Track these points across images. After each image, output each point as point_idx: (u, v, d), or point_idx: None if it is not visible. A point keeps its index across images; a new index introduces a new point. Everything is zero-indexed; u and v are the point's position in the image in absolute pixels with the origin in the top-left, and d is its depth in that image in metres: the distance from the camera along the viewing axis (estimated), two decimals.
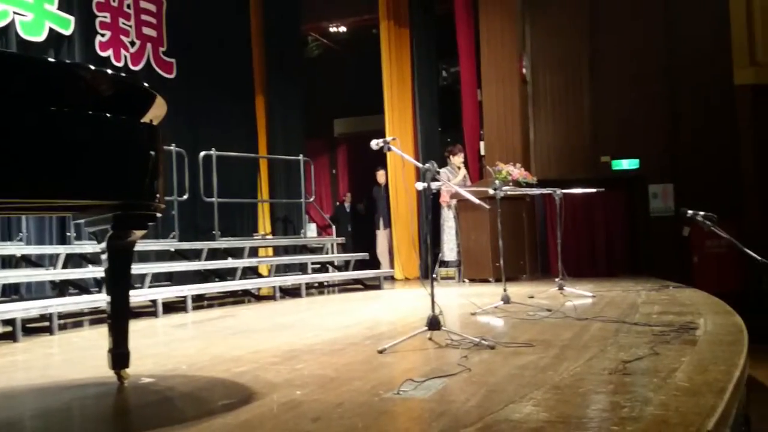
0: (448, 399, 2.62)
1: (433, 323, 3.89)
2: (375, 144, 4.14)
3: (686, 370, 2.89)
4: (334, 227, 12.86)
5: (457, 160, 9.56)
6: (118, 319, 3.05)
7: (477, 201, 4.40)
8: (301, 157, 10.51)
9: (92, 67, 3.05)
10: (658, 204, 10.96)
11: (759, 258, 4.55)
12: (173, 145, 8.36)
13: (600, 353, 3.41)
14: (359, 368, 3.35)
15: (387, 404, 2.60)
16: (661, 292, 6.66)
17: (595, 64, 11.23)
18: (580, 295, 6.34)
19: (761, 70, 10.70)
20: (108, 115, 2.82)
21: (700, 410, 2.25)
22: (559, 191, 6.59)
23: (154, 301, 6.34)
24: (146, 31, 9.38)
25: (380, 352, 3.68)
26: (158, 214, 3.11)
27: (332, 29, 13.74)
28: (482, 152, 11.15)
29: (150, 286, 6.96)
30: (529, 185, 8.80)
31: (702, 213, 4.76)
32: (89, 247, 6.95)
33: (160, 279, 7.96)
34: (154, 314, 6.26)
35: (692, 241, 10.37)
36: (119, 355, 3.05)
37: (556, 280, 6.74)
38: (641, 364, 3.06)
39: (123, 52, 8.95)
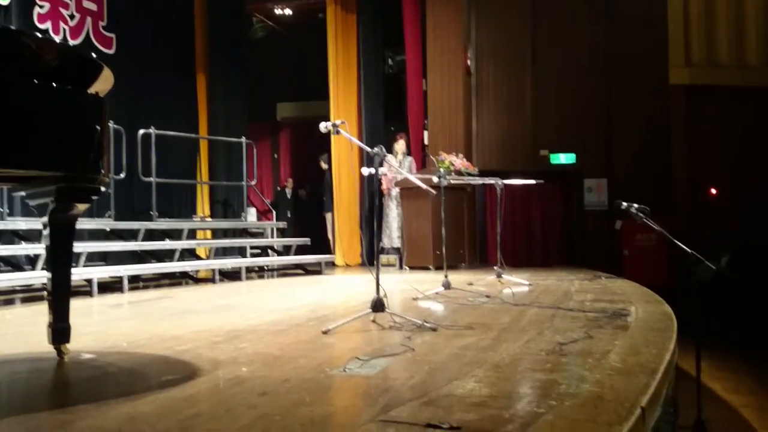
0: (393, 376, 2.67)
1: (378, 305, 3.94)
2: (324, 126, 4.13)
3: (619, 353, 3.02)
4: (274, 212, 12.77)
5: (401, 147, 9.65)
6: (59, 293, 2.98)
7: (425, 186, 4.46)
8: (243, 139, 10.39)
9: (39, 35, 2.97)
10: (592, 198, 11.31)
11: (689, 250, 4.76)
12: (111, 121, 8.14)
13: (537, 336, 3.53)
14: (304, 347, 3.37)
15: (333, 381, 2.64)
16: (593, 281, 6.90)
17: (537, 58, 11.47)
18: (517, 282, 6.51)
19: (695, 71, 11.16)
20: (54, 84, 2.74)
21: (633, 388, 2.36)
22: (500, 181, 6.73)
23: (89, 281, 6.19)
24: (86, 4, 9.09)
25: (324, 332, 3.71)
26: (102, 188, 3.05)
27: (277, 11, 13.57)
28: (426, 142, 11.26)
29: (84, 266, 6.79)
30: (470, 175, 8.95)
31: (636, 205, 4.93)
32: (22, 223, 6.73)
33: (94, 259, 7.76)
34: (89, 293, 6.11)
35: (623, 234, 10.77)
36: (60, 330, 2.99)
37: (495, 268, 6.89)
38: (576, 346, 3.18)
39: (62, 24, 8.66)
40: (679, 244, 4.84)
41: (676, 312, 4.38)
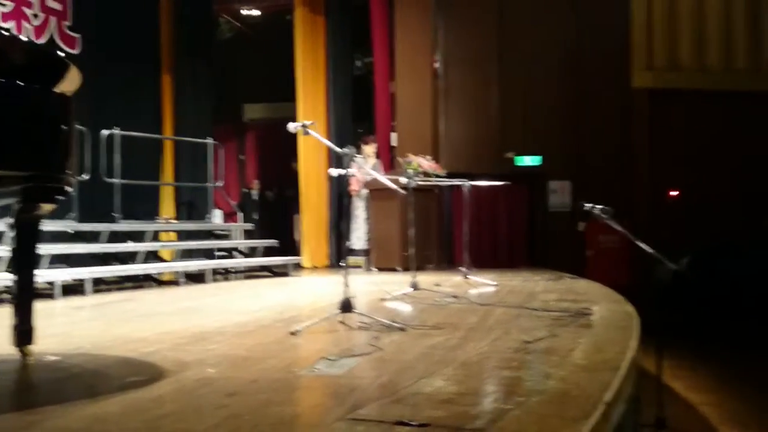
0: (362, 376, 2.69)
1: (346, 306, 3.95)
2: (293, 127, 4.12)
3: (583, 350, 3.08)
4: (240, 214, 12.68)
5: (370, 149, 9.65)
6: (24, 295, 2.94)
7: (394, 186, 4.48)
8: (209, 140, 10.30)
9: (6, 33, 2.91)
10: (556, 200, 11.45)
11: (650, 250, 4.86)
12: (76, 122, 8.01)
13: (503, 335, 3.58)
14: (272, 348, 3.37)
15: (302, 381, 2.64)
16: (558, 282, 7.01)
17: (504, 61, 11.58)
18: (483, 283, 6.57)
19: (658, 75, 11.39)
20: (20, 83, 2.70)
21: (597, 385, 2.41)
22: (467, 183, 6.80)
23: (51, 283, 6.07)
24: (51, 4, 8.95)
25: (292, 333, 3.71)
26: (69, 189, 3.01)
27: (245, 12, 13.50)
28: (393, 143, 11.29)
29: (47, 268, 6.66)
30: (438, 177, 8.99)
31: (599, 206, 5.02)
32: None
33: (56, 261, 7.61)
34: (51, 296, 6.00)
35: (587, 236, 10.93)
36: (24, 332, 2.94)
37: (462, 269, 6.95)
38: (541, 345, 3.24)
39: (25, 24, 8.51)
40: (641, 244, 4.94)
41: (638, 311, 4.47)
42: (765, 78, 11.67)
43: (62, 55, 2.96)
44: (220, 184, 11.02)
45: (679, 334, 8.39)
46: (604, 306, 4.79)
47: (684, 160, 11.27)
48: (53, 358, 3.17)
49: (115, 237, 8.43)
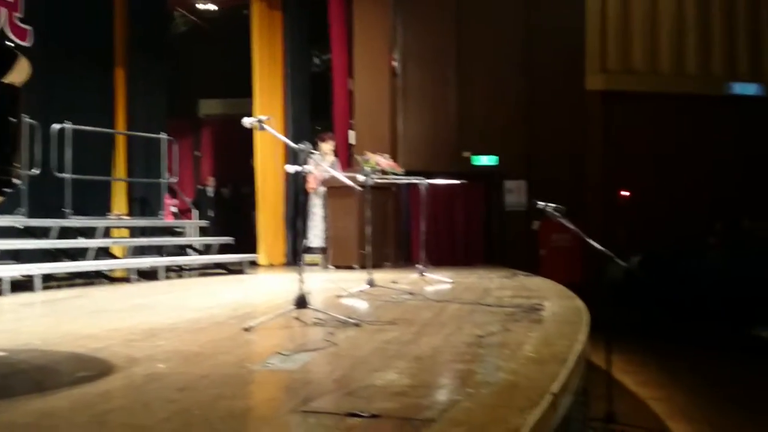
0: (315, 370, 2.69)
1: (301, 302, 3.94)
2: (248, 122, 4.09)
3: (534, 344, 3.13)
4: (195, 211, 12.54)
5: (327, 147, 9.61)
6: None
7: (351, 183, 4.49)
8: (163, 135, 10.14)
9: None
10: (512, 199, 11.62)
11: (602, 248, 4.97)
12: (26, 115, 7.80)
13: (457, 330, 3.61)
14: (225, 344, 3.34)
15: (254, 375, 2.63)
16: (512, 279, 7.10)
17: (461, 61, 11.68)
18: (439, 280, 6.62)
19: (611, 77, 11.64)
20: None
21: (545, 377, 2.46)
22: (425, 181, 6.84)
23: None
24: None
25: (246, 329, 3.68)
26: (16, 182, 2.93)
27: (200, 6, 13.33)
28: (351, 141, 11.29)
29: None
30: (395, 175, 9.01)
31: (552, 205, 5.12)
32: None
33: (5, 257, 7.42)
34: None
35: (541, 235, 11.12)
36: None
37: (418, 266, 6.99)
38: (494, 339, 3.29)
39: None
40: (593, 243, 5.05)
41: (589, 308, 4.56)
42: (715, 82, 12.02)
43: (11, 45, 2.88)
44: (173, 180, 10.87)
45: (629, 330, 8.62)
46: (556, 302, 4.88)
47: (636, 161, 11.55)
48: (0, 353, 3.09)
49: (66, 233, 8.25)
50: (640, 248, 10.78)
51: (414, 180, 7.19)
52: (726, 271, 9.49)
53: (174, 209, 11.89)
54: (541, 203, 5.20)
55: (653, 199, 11.41)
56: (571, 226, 5.17)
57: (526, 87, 11.61)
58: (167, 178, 10.20)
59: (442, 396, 2.22)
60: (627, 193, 11.66)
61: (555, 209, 5.18)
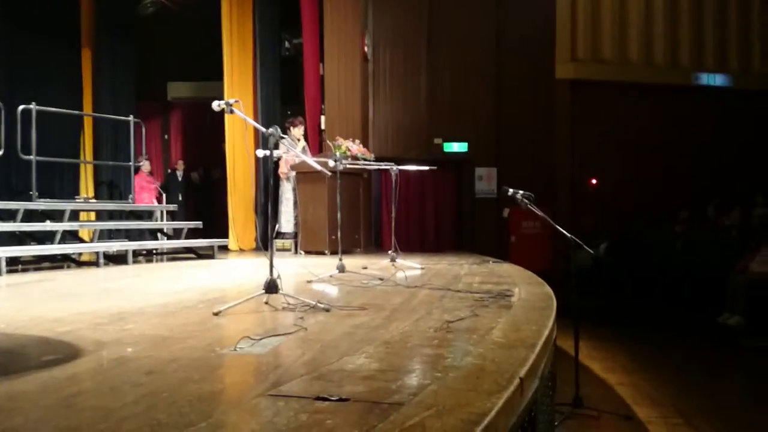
0: (285, 354, 2.69)
1: (271, 287, 3.92)
2: (217, 105, 4.02)
3: (502, 329, 3.16)
4: (164, 195, 12.38)
5: (298, 132, 9.55)
6: None
7: (319, 167, 4.47)
8: (131, 118, 9.98)
9: None
10: (483, 186, 11.70)
11: (569, 235, 5.03)
12: None
13: (426, 315, 3.64)
14: (194, 328, 3.32)
15: (223, 359, 2.62)
16: (481, 266, 7.16)
17: (433, 47, 11.69)
18: (410, 266, 6.65)
19: (580, 66, 11.74)
20: None
21: (513, 361, 2.49)
22: (395, 167, 6.84)
23: None
24: None
25: (216, 314, 3.66)
26: None
27: None
28: (323, 126, 11.24)
29: None
30: (366, 161, 9.01)
31: (521, 192, 5.17)
32: None
33: None
34: None
35: (510, 222, 11.23)
36: None
37: (389, 252, 7.01)
38: (463, 324, 3.31)
39: None
40: (561, 229, 5.11)
41: (557, 295, 4.62)
42: (682, 73, 12.20)
43: None
44: (141, 163, 10.72)
45: (597, 317, 8.76)
46: (525, 288, 4.92)
47: (604, 150, 11.69)
48: None
49: (31, 216, 8.10)
50: (608, 235, 10.94)
51: (385, 166, 7.18)
52: (691, 258, 9.67)
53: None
54: (510, 190, 5.24)
55: (621, 187, 11.58)
56: (540, 213, 5.23)
57: (497, 74, 11.67)
58: (135, 162, 10.05)
59: (410, 380, 2.24)
60: (595, 181, 11.81)
61: (524, 196, 5.23)
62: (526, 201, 5.12)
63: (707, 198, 10.49)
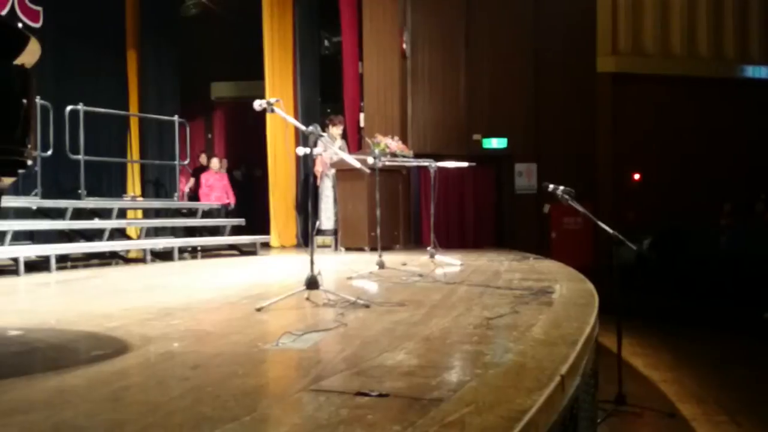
0: (326, 350, 2.73)
1: (312, 283, 3.97)
2: (258, 104, 4.10)
3: (543, 326, 3.15)
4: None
5: (336, 131, 9.61)
6: None
7: (358, 165, 4.50)
8: (176, 118, 10.17)
9: None
10: (522, 182, 11.60)
11: (612, 231, 4.98)
12: (38, 97, 7.85)
13: (466, 311, 3.64)
14: (237, 324, 3.39)
15: (266, 354, 2.67)
16: (522, 262, 7.11)
17: (471, 43, 11.62)
18: (449, 263, 6.64)
19: (622, 59, 11.56)
20: None
21: (554, 358, 2.48)
22: (434, 164, 6.84)
23: (15, 259, 6.00)
24: None
25: (258, 310, 3.73)
26: (29, 162, 2.97)
27: None
28: (362, 124, 11.29)
29: (10, 245, 6.57)
30: (405, 158, 9.02)
31: (562, 188, 5.12)
32: None
33: (20, 238, 7.51)
34: (15, 272, 5.94)
35: (551, 218, 11.12)
36: None
37: (428, 249, 7.01)
38: (503, 321, 3.31)
39: None
40: (603, 225, 5.06)
41: (599, 292, 4.57)
42: (727, 65, 11.91)
43: (21, 26, 2.91)
44: (186, 162, 10.92)
45: (640, 313, 8.63)
46: (566, 285, 4.88)
47: (646, 144, 11.49)
48: (16, 332, 3.16)
49: (80, 214, 8.32)
50: (651, 231, 10.76)
51: (424, 163, 7.19)
52: (737, 253, 9.46)
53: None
54: (551, 186, 5.20)
55: (664, 182, 11.36)
56: (582, 209, 5.18)
57: (537, 69, 11.55)
58: (180, 161, 10.24)
59: (450, 376, 2.25)
60: (638, 176, 11.61)
61: (565, 192, 5.18)
62: (567, 197, 5.07)
63: (752, 192, 10.24)
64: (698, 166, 11.39)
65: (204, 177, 11.55)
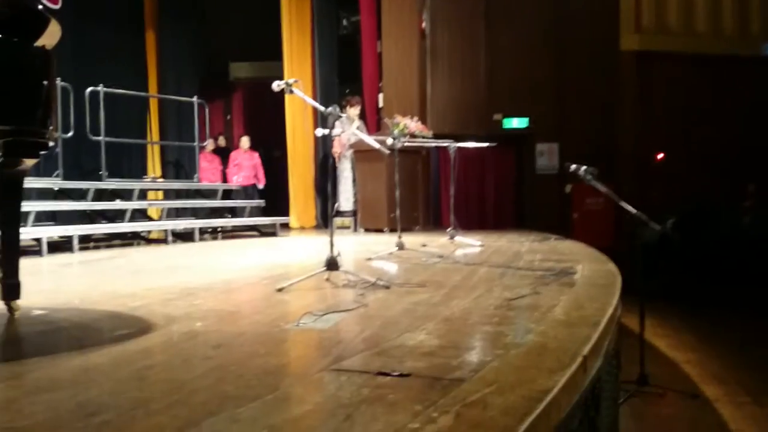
0: (346, 330, 2.74)
1: (332, 264, 3.98)
2: (276, 85, 4.10)
3: (564, 307, 3.13)
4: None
5: (353, 111, 9.57)
6: (9, 250, 2.94)
7: (377, 145, 4.49)
8: (195, 98, 10.20)
9: None
10: (544, 162, 11.50)
11: (635, 211, 4.92)
12: (58, 78, 7.89)
13: (486, 292, 3.63)
14: (258, 304, 3.41)
15: (287, 334, 2.69)
16: (543, 243, 7.07)
17: (491, 22, 11.48)
18: (469, 244, 6.63)
19: (645, 37, 11.35)
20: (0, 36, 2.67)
21: (576, 339, 2.46)
22: (454, 144, 6.80)
23: (38, 240, 6.09)
24: None
25: (279, 290, 3.74)
26: (51, 143, 3.00)
27: None
28: (380, 104, 11.24)
29: (33, 225, 6.65)
30: (424, 138, 8.98)
31: (585, 167, 5.07)
32: None
33: (42, 218, 7.60)
34: (38, 253, 6.02)
35: (573, 198, 11.01)
36: (10, 286, 2.95)
37: (448, 230, 7.00)
38: (524, 302, 3.29)
39: None
40: (626, 205, 5.00)
41: (621, 273, 4.53)
42: (752, 43, 11.66)
43: (41, 8, 2.92)
44: (205, 143, 10.96)
45: (662, 294, 8.57)
46: (588, 265, 4.84)
47: (670, 123, 11.32)
48: (40, 312, 3.20)
49: (101, 195, 8.41)
50: (674, 211, 10.63)
51: (443, 143, 7.15)
52: (760, 234, 9.34)
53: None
54: (573, 166, 5.15)
55: (687, 162, 11.21)
56: (604, 189, 5.12)
57: (558, 47, 11.39)
58: (200, 142, 10.28)
59: (471, 357, 2.25)
60: (661, 156, 11.46)
61: (588, 172, 5.12)
62: (590, 177, 5.02)
63: None
64: (722, 145, 11.21)
65: (233, 155, 11.48)
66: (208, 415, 1.62)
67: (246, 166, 11.42)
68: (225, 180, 11.41)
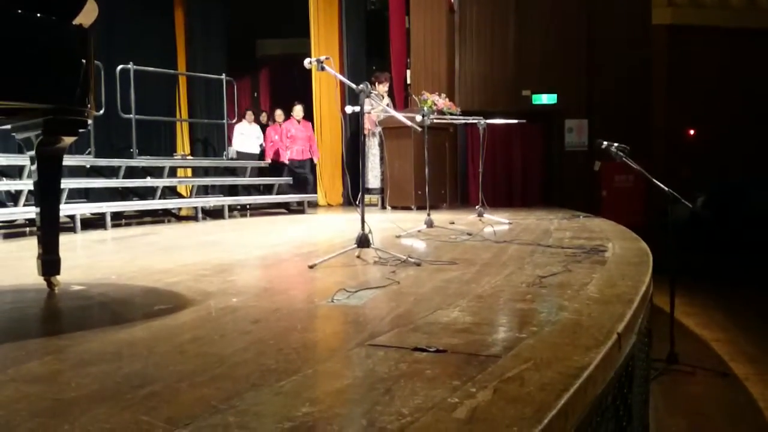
0: (380, 306, 2.76)
1: (363, 241, 4.01)
2: (308, 63, 4.10)
3: (597, 285, 3.13)
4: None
5: (382, 88, 9.54)
6: (49, 226, 3.01)
7: (408, 122, 4.48)
8: (223, 76, 10.24)
9: None
10: (573, 138, 11.37)
11: (666, 189, 4.87)
12: None
13: (518, 270, 3.63)
14: (292, 280, 3.45)
15: (322, 310, 2.72)
16: (572, 220, 7.03)
17: None
18: (497, 221, 6.61)
19: (677, 11, 11.13)
20: (39, 15, 2.71)
21: (610, 316, 2.46)
22: (483, 121, 6.76)
23: (72, 217, 6.20)
24: None
25: (311, 267, 3.78)
26: (89, 121, 3.05)
27: None
28: (408, 81, 11.18)
29: (66, 203, 6.77)
30: (453, 115, 8.93)
31: (616, 144, 5.02)
32: (2, 159, 6.67)
33: (75, 196, 7.75)
34: (72, 230, 6.14)
35: (602, 175, 10.90)
36: (50, 262, 3.02)
37: (476, 207, 6.99)
38: (555, 279, 3.29)
39: None
40: (657, 182, 4.95)
41: (651, 250, 4.50)
42: None
43: None
44: (234, 121, 11.01)
45: (692, 273, 8.49)
46: (619, 243, 4.81)
47: (702, 99, 11.13)
48: (79, 287, 3.27)
49: (132, 172, 8.52)
50: (706, 188, 10.50)
51: (471, 120, 7.11)
52: None
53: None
54: (605, 143, 5.10)
55: (719, 138, 11.02)
56: (635, 166, 5.07)
57: (588, 21, 11.20)
58: (228, 119, 10.33)
59: (506, 334, 2.26)
60: (693, 132, 11.29)
61: (619, 149, 5.08)
62: (621, 153, 4.97)
63: None
64: (755, 121, 11.00)
65: (285, 127, 10.69)
66: (251, 388, 1.66)
67: (300, 138, 10.64)
68: (263, 152, 11.11)
